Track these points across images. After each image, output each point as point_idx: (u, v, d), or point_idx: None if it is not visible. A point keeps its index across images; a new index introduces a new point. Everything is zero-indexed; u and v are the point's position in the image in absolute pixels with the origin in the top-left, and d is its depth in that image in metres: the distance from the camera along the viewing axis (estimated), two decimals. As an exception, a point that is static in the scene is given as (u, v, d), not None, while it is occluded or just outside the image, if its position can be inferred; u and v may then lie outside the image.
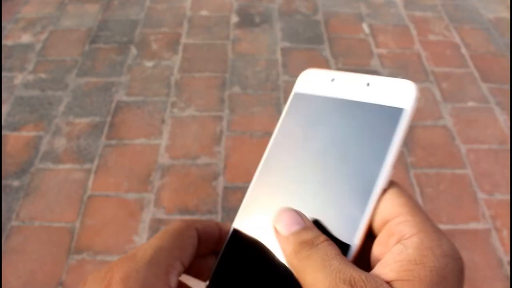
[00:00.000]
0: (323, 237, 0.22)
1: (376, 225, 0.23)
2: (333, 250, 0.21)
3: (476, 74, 1.55)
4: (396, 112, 0.24)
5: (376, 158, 0.23)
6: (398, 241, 0.21)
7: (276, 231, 0.23)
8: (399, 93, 0.24)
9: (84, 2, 1.86)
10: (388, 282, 0.19)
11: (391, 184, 0.23)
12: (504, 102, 1.45)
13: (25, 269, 1.03)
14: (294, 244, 0.22)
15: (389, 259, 0.20)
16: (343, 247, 0.22)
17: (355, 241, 0.22)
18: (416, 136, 1.33)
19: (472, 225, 1.12)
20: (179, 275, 0.23)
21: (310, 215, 0.24)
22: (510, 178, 1.23)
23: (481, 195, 1.19)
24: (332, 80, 0.27)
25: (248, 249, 0.25)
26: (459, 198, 1.18)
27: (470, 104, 1.44)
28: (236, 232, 0.26)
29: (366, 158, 0.24)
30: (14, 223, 1.11)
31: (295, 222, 0.23)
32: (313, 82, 0.28)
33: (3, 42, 1.66)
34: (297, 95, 0.28)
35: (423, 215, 0.22)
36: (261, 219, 0.25)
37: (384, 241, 0.22)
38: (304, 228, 0.22)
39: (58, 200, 1.16)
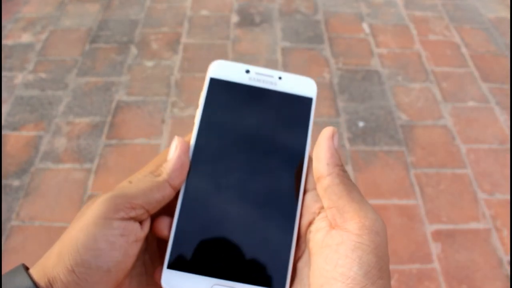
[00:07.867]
0: None
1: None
2: None
3: (476, 74, 1.55)
4: (307, 101, 0.30)
5: (299, 138, 0.29)
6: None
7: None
8: (305, 86, 0.30)
9: (84, 2, 1.86)
10: None
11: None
12: (504, 101, 1.45)
13: (25, 269, 1.03)
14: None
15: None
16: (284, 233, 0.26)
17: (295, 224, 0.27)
18: (416, 136, 1.33)
19: (472, 225, 1.12)
20: (132, 215, 0.25)
21: (248, 205, 0.27)
22: (510, 178, 1.23)
23: (481, 195, 1.19)
24: (247, 71, 0.30)
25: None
26: (459, 198, 1.18)
27: (470, 103, 1.44)
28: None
29: (291, 138, 0.28)
30: (14, 223, 1.11)
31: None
32: (228, 71, 0.30)
33: (3, 41, 1.66)
34: (214, 80, 0.30)
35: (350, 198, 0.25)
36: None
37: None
38: None
39: (58, 200, 1.16)
